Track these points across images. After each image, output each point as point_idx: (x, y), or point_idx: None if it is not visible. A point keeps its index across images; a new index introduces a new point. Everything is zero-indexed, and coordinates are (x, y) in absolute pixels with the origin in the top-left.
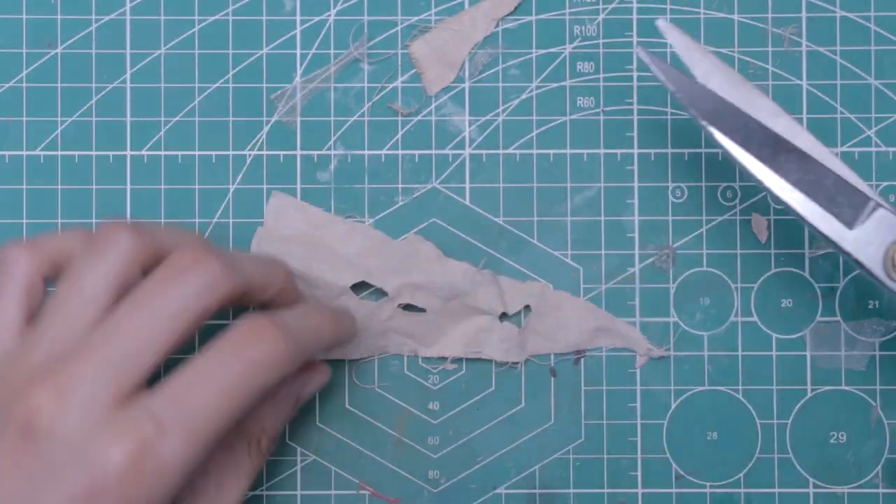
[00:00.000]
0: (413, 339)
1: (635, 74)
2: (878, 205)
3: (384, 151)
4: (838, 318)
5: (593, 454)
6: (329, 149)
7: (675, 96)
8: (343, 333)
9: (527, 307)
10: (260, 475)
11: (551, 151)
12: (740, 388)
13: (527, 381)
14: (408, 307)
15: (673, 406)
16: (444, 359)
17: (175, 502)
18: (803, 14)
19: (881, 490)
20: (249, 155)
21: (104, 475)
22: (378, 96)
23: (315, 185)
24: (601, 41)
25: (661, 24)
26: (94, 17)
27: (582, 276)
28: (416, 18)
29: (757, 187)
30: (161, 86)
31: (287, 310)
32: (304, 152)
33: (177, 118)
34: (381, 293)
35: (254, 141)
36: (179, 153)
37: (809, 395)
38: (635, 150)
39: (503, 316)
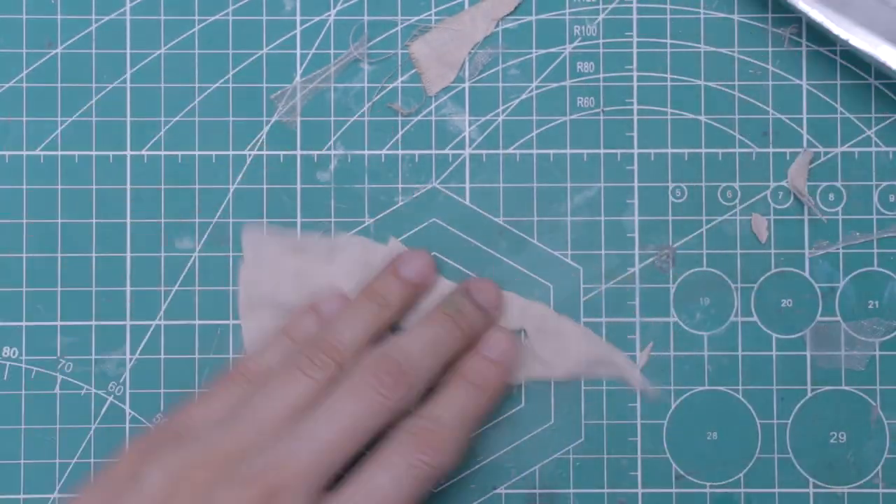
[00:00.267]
0: None
1: (635, 74)
2: None
3: (384, 151)
4: (838, 318)
5: (593, 454)
6: (329, 149)
7: None
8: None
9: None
10: None
11: (551, 151)
12: (740, 388)
13: (527, 380)
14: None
15: (673, 406)
16: None
17: None
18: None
19: (881, 490)
20: (249, 155)
21: None
22: (378, 96)
23: (315, 185)
24: (601, 41)
25: None
26: (94, 17)
27: (582, 276)
28: (416, 18)
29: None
30: (161, 86)
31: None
32: (304, 152)
33: (177, 118)
34: None
35: (254, 141)
36: (179, 153)
37: (809, 395)
38: (635, 150)
39: None
